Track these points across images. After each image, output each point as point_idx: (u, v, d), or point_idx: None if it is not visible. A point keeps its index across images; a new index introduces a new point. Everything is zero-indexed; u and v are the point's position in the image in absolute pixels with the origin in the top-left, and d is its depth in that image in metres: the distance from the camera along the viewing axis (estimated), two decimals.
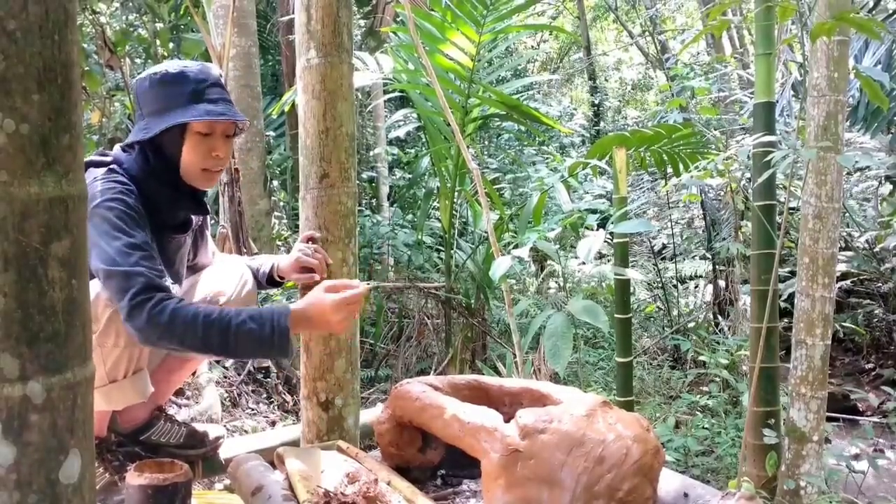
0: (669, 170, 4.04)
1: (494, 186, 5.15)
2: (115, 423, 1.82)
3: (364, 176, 5.73)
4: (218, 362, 3.22)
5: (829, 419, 2.92)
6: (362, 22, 6.37)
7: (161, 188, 1.66)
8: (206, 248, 1.99)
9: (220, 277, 1.89)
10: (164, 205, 1.69)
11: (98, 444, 1.71)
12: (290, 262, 1.86)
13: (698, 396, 3.97)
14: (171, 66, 1.67)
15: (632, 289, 4.39)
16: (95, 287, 1.51)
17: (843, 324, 4.77)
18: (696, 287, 6.42)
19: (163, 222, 1.70)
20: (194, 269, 1.95)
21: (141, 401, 1.70)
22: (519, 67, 8.98)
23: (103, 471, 1.69)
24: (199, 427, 1.96)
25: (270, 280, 1.96)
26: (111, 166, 1.63)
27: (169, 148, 1.65)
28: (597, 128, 10.64)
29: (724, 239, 5.29)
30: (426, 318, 4.56)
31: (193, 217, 1.85)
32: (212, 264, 2.00)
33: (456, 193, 4.09)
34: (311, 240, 1.84)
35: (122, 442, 1.85)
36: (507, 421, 1.38)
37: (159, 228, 1.69)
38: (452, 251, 4.18)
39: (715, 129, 5.22)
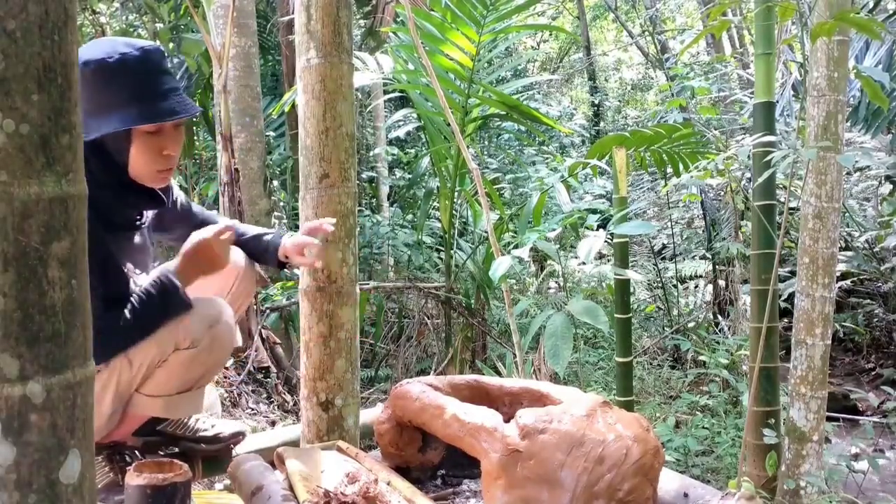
0: (669, 170, 4.04)
1: (494, 186, 5.14)
2: None
3: (364, 176, 5.73)
4: None
5: (829, 419, 2.92)
6: (362, 22, 6.37)
7: (103, 192, 1.46)
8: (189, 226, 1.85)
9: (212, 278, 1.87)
10: (109, 208, 1.53)
11: (113, 446, 1.70)
12: (294, 243, 1.79)
13: (698, 396, 3.97)
14: (109, 50, 1.45)
15: (632, 289, 4.39)
16: (206, 307, 1.56)
17: (843, 324, 4.77)
18: (696, 287, 6.42)
19: (112, 223, 1.58)
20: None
21: (197, 414, 1.71)
22: (519, 67, 8.97)
23: (108, 470, 1.69)
24: (218, 425, 1.94)
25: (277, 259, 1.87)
26: None
27: (115, 150, 1.50)
28: (597, 128, 10.64)
29: (724, 239, 5.29)
30: (426, 318, 4.56)
31: (146, 212, 1.71)
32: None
33: (456, 193, 4.09)
34: (316, 231, 1.79)
35: (140, 430, 1.85)
36: (507, 421, 1.38)
37: (111, 228, 1.57)
38: (452, 251, 4.18)
39: (715, 129, 5.22)
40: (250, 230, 1.94)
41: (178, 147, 1.57)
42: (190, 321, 1.53)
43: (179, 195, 1.88)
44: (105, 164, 1.50)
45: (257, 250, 1.89)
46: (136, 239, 1.70)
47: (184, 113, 1.49)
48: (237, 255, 1.90)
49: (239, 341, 2.03)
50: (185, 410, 1.63)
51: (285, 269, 1.97)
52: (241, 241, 1.89)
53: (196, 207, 1.95)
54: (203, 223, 1.87)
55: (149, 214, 1.74)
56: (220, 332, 1.54)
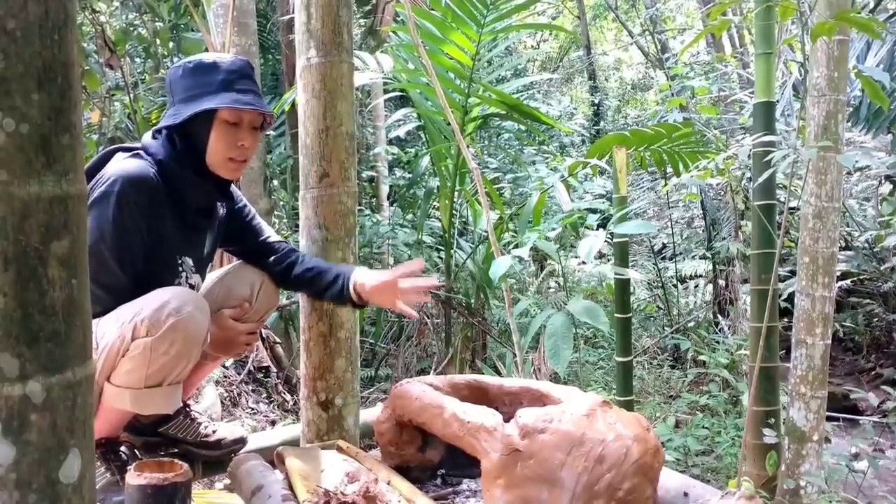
0: (669, 169, 4.03)
1: (494, 186, 5.14)
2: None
3: (364, 175, 5.72)
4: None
5: (829, 419, 2.92)
6: (362, 21, 6.36)
7: (184, 171, 1.69)
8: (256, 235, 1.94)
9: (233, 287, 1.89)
10: (187, 188, 1.71)
11: (106, 442, 1.70)
12: (378, 282, 1.76)
13: (698, 396, 3.97)
14: (206, 56, 1.72)
15: (632, 288, 4.39)
16: (163, 295, 1.54)
17: (843, 323, 4.78)
18: (696, 287, 6.42)
19: (184, 204, 1.73)
20: (257, 252, 1.93)
21: (167, 413, 1.71)
22: (519, 67, 8.96)
23: (104, 470, 1.68)
24: (220, 431, 1.94)
25: (348, 295, 1.80)
26: (137, 151, 1.69)
27: (197, 135, 1.69)
28: (597, 127, 10.63)
29: (724, 239, 5.30)
30: (426, 318, 4.56)
31: (220, 206, 1.84)
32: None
33: (456, 193, 4.09)
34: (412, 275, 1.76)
35: (142, 430, 1.85)
36: (506, 421, 1.38)
37: (179, 209, 1.71)
38: (452, 251, 4.18)
39: (715, 129, 5.22)
40: (312, 263, 1.88)
41: (251, 143, 1.72)
42: (149, 308, 1.53)
43: (249, 207, 1.96)
44: (188, 147, 1.70)
45: (321, 286, 1.83)
46: (200, 229, 1.81)
47: (260, 107, 1.69)
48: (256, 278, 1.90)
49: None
50: (156, 407, 1.62)
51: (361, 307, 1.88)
52: (302, 277, 1.86)
53: (260, 224, 1.96)
54: (264, 244, 1.92)
55: (220, 217, 1.85)
56: (180, 323, 1.51)
